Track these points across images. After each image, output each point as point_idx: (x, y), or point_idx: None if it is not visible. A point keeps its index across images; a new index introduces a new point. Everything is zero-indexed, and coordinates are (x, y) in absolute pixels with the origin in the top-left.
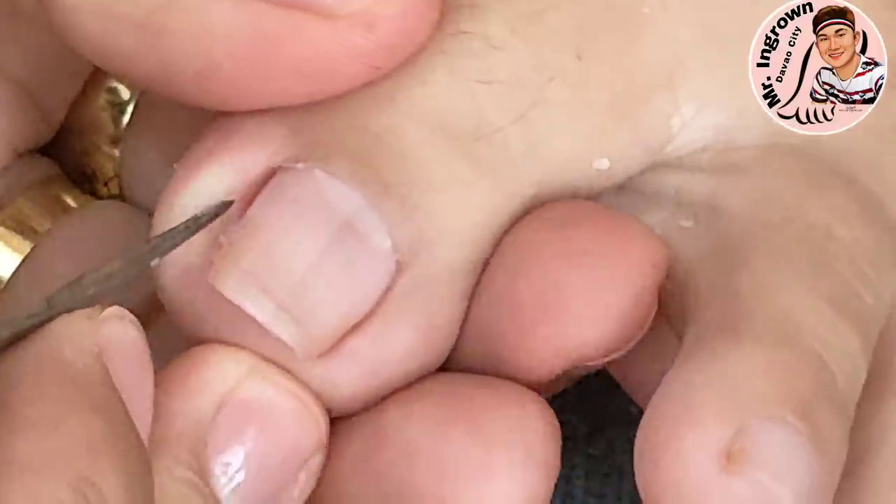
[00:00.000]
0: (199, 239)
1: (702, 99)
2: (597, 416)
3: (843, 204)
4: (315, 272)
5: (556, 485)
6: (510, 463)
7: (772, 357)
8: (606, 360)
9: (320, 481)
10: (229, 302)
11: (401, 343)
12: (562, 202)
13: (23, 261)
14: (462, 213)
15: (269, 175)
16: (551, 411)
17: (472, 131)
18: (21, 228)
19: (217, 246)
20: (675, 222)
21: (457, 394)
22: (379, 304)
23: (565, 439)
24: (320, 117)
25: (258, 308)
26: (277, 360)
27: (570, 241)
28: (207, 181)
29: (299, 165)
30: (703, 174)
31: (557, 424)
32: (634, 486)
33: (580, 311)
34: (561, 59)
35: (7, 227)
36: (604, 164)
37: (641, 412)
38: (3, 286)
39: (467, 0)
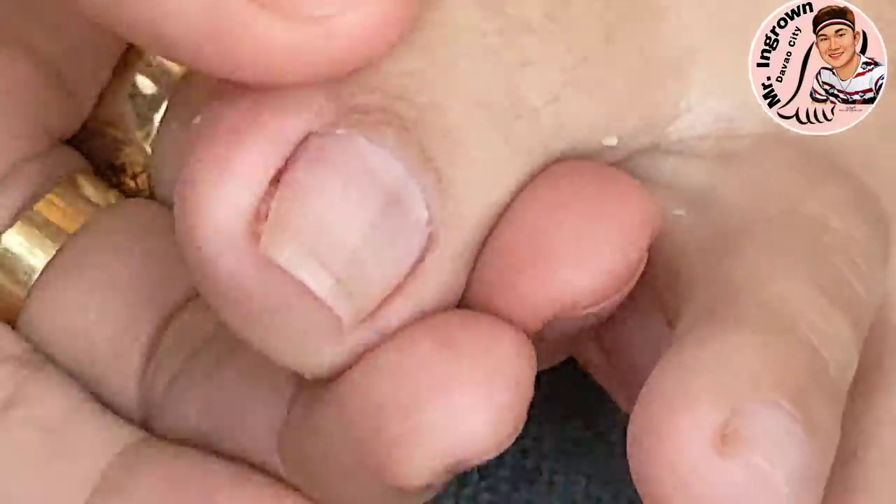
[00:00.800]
0: (241, 202)
1: (707, 86)
2: (597, 421)
3: (838, 197)
4: (366, 244)
5: (556, 491)
6: (476, 375)
7: (765, 343)
8: (594, 309)
9: (305, 424)
10: (272, 273)
11: (425, 311)
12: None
13: (52, 258)
14: (496, 189)
15: (304, 139)
16: (527, 340)
17: (510, 110)
18: (49, 225)
19: (257, 214)
20: (669, 211)
21: (431, 319)
22: (410, 274)
23: (567, 445)
24: (360, 87)
25: (317, 281)
26: (310, 333)
27: (560, 190)
28: (246, 157)
29: (340, 131)
30: (700, 161)
31: (533, 352)
32: (635, 492)
33: (568, 256)
34: (591, 42)
35: (35, 223)
36: (612, 141)
37: None
38: (32, 283)
39: None
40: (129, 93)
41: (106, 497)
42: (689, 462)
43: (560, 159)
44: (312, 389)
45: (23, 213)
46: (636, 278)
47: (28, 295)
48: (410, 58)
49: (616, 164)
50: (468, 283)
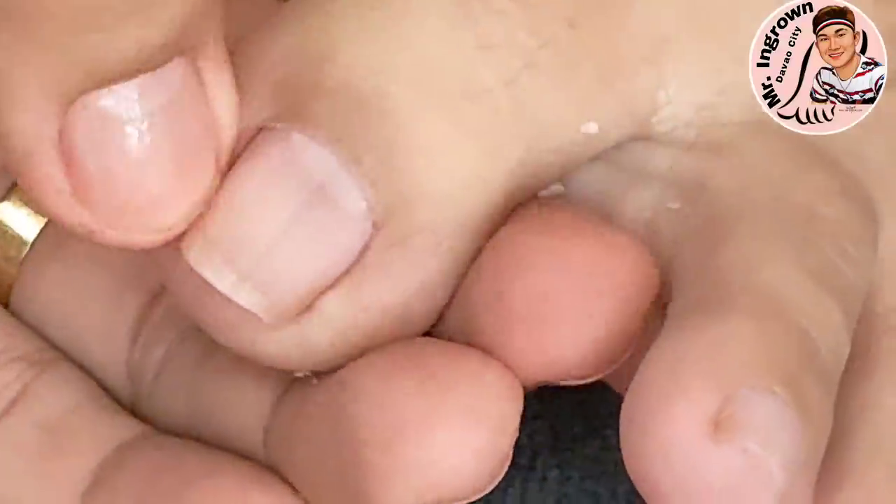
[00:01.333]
0: None
1: (685, 76)
2: (591, 416)
3: (826, 184)
4: (283, 239)
5: (550, 486)
6: (459, 412)
7: (757, 329)
8: (583, 381)
9: (293, 427)
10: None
11: (374, 301)
12: (559, 206)
13: (41, 234)
14: (445, 174)
15: (255, 133)
16: (514, 377)
17: (462, 93)
18: None
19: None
20: (662, 204)
21: (418, 349)
22: (353, 264)
23: (561, 440)
24: (310, 74)
25: (218, 279)
26: (247, 321)
27: (565, 255)
28: None
29: (279, 126)
30: (689, 152)
31: (520, 390)
32: (630, 485)
33: (567, 329)
34: (554, 27)
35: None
36: (592, 128)
37: None
38: (23, 258)
39: None
40: None
41: (93, 494)
42: (683, 448)
43: (537, 152)
44: (301, 386)
45: (17, 187)
46: (631, 350)
47: (19, 271)
48: (366, 42)
49: (606, 155)
50: (454, 322)
